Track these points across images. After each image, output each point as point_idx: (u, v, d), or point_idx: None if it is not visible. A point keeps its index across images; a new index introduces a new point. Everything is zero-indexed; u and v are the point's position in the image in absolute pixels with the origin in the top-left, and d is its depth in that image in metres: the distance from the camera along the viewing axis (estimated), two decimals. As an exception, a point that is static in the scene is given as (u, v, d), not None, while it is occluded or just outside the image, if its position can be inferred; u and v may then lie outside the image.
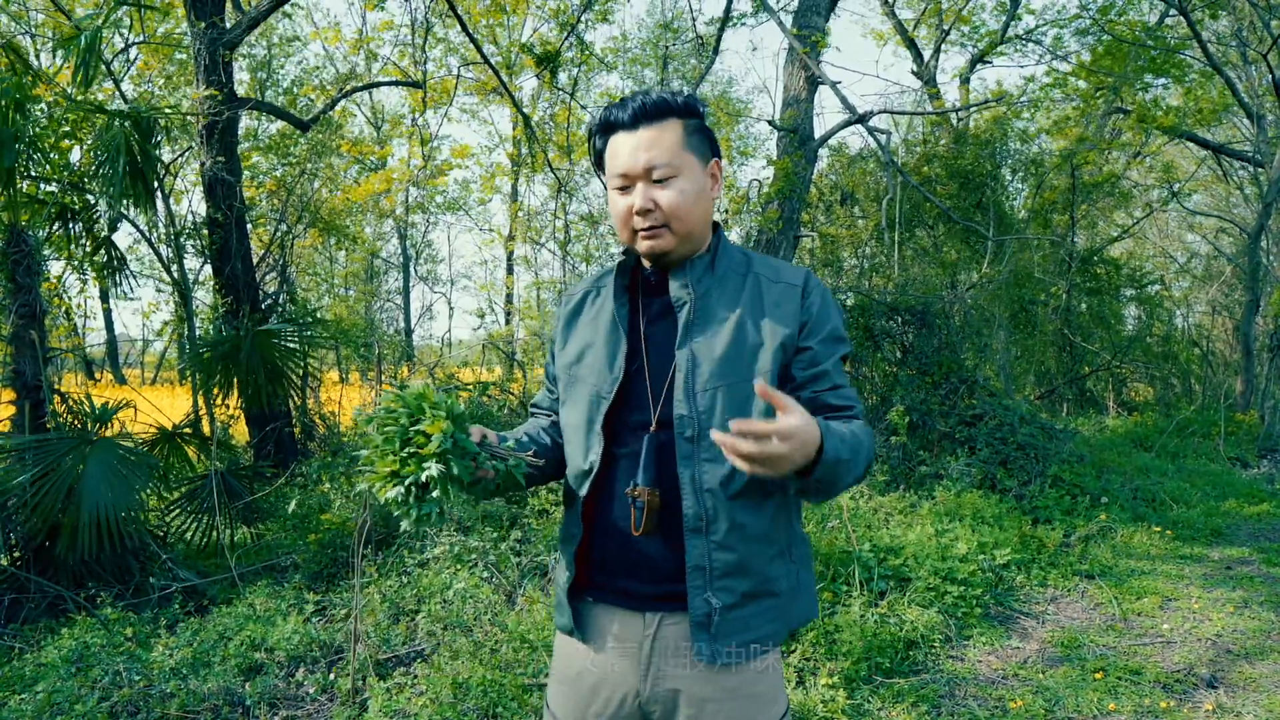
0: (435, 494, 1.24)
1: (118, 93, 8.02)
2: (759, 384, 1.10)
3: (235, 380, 5.30)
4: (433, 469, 1.23)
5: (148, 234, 8.26)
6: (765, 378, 1.33)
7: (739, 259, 1.45)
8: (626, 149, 1.37)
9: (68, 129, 5.05)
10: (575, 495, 1.44)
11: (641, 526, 1.33)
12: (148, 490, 4.54)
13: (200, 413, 5.84)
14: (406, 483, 1.25)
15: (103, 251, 5.27)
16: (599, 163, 1.45)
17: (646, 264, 1.46)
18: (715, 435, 1.10)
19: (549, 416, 1.62)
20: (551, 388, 1.60)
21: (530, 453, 1.40)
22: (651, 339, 1.42)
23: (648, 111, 1.36)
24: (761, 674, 1.38)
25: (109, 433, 4.58)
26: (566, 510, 1.48)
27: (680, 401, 1.34)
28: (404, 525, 1.29)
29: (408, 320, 22.23)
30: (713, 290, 1.40)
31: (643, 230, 1.37)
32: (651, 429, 1.37)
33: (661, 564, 1.36)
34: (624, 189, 1.38)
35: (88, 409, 4.69)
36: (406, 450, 1.26)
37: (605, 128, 1.40)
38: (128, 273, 5.41)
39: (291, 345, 5.70)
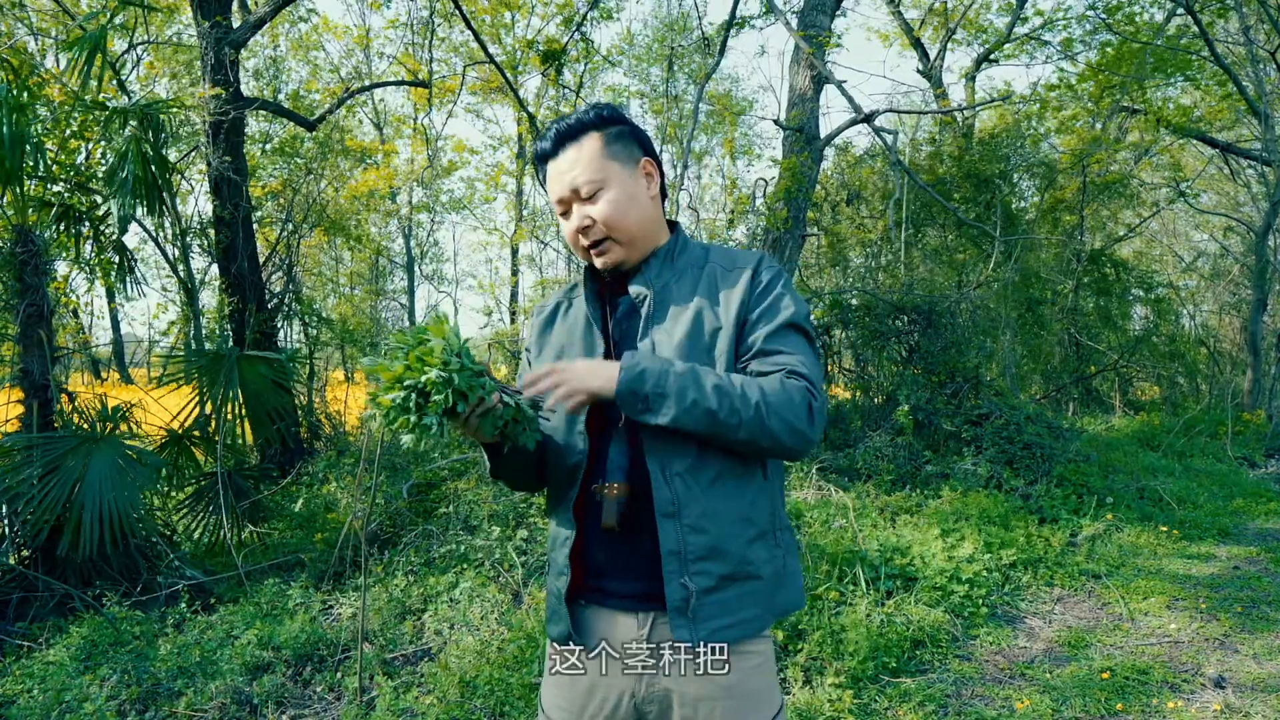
0: (436, 398, 1.23)
1: (123, 94, 8.03)
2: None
3: (215, 397, 4.82)
4: (433, 374, 1.23)
5: (154, 234, 8.29)
6: (723, 360, 1.36)
7: (698, 253, 1.49)
8: (555, 175, 1.43)
9: (74, 129, 5.06)
10: (562, 498, 1.46)
11: (610, 521, 1.34)
12: (152, 490, 4.51)
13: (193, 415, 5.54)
14: (406, 384, 1.24)
15: (112, 254, 5.26)
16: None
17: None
18: (527, 377, 1.30)
19: None
20: None
21: (541, 407, 1.37)
22: (620, 338, 1.45)
23: (563, 134, 1.41)
24: (756, 670, 1.38)
25: (116, 433, 4.59)
26: (554, 515, 1.49)
27: None
28: (404, 440, 1.27)
29: (413, 319, 22.26)
30: (672, 283, 1.44)
31: (590, 248, 1.43)
32: (620, 424, 1.38)
33: (646, 560, 1.36)
34: (565, 214, 1.44)
35: (98, 410, 4.70)
36: (412, 357, 1.26)
37: (540, 159, 1.46)
38: (137, 275, 5.41)
39: (277, 380, 5.13)
